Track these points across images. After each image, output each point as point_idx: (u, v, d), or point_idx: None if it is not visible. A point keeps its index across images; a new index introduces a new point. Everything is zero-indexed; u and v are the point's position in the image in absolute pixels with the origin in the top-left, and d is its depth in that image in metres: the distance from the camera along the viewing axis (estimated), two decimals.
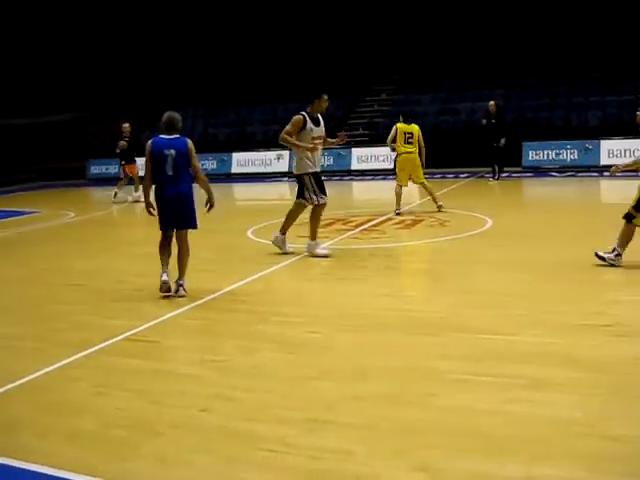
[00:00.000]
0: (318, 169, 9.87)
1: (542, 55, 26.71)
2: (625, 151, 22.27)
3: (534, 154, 22.87)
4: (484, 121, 19.98)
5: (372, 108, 28.84)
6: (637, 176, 10.41)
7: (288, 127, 9.69)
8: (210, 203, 8.01)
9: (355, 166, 25.22)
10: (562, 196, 17.49)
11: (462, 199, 15.72)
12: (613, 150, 22.34)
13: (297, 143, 9.63)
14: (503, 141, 19.62)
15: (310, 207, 9.87)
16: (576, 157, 22.45)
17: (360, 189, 22.26)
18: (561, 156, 22.65)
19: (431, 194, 13.92)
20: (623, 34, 26.87)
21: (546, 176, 21.10)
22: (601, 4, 27.57)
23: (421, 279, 8.43)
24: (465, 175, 21.42)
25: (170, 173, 7.75)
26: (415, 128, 13.89)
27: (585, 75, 25.90)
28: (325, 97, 9.75)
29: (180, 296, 7.79)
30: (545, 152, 22.80)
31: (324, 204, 9.88)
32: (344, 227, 12.47)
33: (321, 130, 9.80)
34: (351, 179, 24.01)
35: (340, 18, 31.35)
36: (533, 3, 28.48)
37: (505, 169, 20.65)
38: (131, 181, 19.77)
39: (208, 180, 8.10)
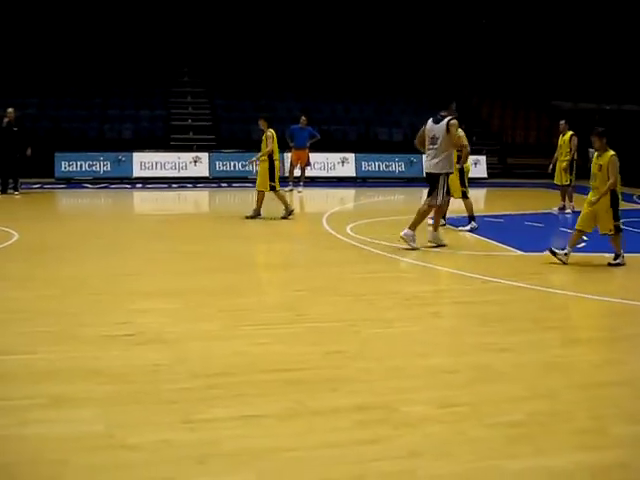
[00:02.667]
0: None
1: (78, 66, 26.53)
2: (156, 164, 23.26)
3: (67, 165, 22.60)
4: (5, 120, 18.19)
5: None
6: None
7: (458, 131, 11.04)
8: None
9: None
10: (95, 208, 17.59)
11: None
12: (145, 162, 23.17)
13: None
14: (29, 151, 18.29)
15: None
16: (109, 169, 22.77)
17: None
18: (94, 167, 22.77)
19: None
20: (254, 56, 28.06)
21: (80, 187, 21.01)
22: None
23: None
24: None
25: None
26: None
27: (120, 89, 26.42)
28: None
29: None
30: (78, 163, 22.70)
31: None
32: None
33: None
34: None
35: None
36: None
37: (37, 180, 20.03)
38: None
39: None
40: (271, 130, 13.88)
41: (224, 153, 24.11)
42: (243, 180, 22.93)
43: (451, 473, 3.86)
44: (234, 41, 28.98)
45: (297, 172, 20.19)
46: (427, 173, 11.08)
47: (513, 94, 30.52)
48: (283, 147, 21.99)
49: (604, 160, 9.90)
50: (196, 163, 23.63)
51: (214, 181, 23.19)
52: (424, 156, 11.32)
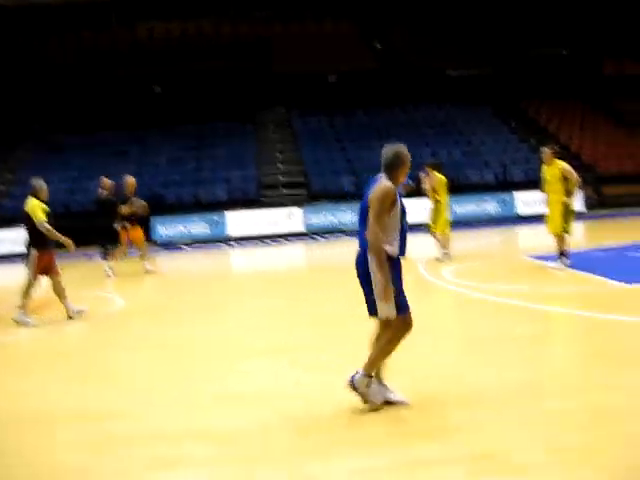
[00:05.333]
0: None
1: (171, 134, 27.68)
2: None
3: (164, 229, 23.37)
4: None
5: None
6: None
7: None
8: None
9: None
10: (193, 269, 17.94)
11: (97, 280, 15.28)
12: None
13: None
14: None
15: None
16: (207, 230, 23.41)
17: None
18: (191, 230, 23.45)
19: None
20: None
21: (177, 250, 21.58)
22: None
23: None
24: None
25: None
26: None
27: (211, 151, 27.35)
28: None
29: None
30: (176, 227, 23.43)
31: None
32: None
33: None
34: None
35: None
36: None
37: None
38: None
39: None
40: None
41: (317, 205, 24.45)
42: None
43: None
44: None
45: None
46: None
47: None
48: None
49: None
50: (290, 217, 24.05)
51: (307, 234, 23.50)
52: None
